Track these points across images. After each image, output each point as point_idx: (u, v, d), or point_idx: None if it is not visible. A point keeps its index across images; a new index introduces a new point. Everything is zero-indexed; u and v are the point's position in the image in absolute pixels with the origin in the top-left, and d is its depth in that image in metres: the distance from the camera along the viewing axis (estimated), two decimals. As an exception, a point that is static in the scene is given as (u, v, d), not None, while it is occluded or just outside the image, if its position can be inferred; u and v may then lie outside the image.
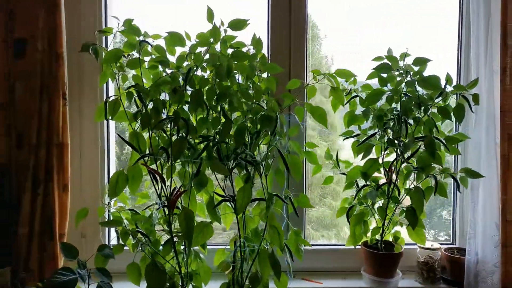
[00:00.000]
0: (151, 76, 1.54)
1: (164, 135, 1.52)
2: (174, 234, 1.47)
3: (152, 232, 1.48)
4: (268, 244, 1.52)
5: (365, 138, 1.60)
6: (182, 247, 1.53)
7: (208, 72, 1.53)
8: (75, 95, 1.74)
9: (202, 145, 1.53)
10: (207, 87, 1.47)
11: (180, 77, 1.47)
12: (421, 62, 1.47)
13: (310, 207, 1.55)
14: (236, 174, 1.54)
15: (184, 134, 1.44)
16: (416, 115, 1.56)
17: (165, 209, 1.49)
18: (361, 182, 1.72)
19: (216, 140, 1.47)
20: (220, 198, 1.51)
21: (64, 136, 1.58)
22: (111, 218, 1.67)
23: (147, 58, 1.51)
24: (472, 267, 1.65)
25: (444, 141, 1.58)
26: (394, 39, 1.98)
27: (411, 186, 1.64)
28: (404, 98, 1.51)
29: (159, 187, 1.48)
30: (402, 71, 1.48)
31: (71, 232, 1.64)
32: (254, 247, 1.52)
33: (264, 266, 1.47)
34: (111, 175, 1.81)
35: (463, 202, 1.89)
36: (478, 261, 1.65)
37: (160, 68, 1.53)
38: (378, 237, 1.73)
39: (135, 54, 1.52)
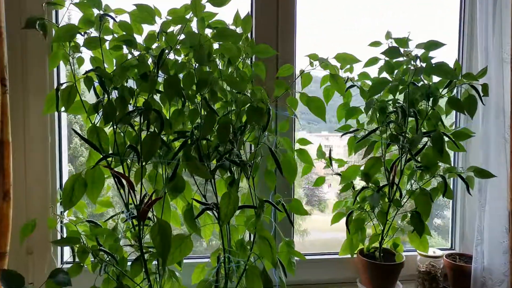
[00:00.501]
0: (114, 60, 1.29)
1: (131, 130, 1.28)
2: (145, 250, 1.23)
3: (118, 249, 1.23)
4: (255, 258, 1.32)
5: (367, 133, 1.42)
6: (154, 264, 1.29)
7: (182, 55, 1.30)
8: (18, 81, 1.45)
9: (177, 143, 1.30)
10: (182, 73, 1.24)
11: (149, 60, 1.23)
12: (433, 46, 1.30)
13: (305, 214, 1.35)
14: (217, 176, 1.32)
15: (156, 129, 1.20)
16: (421, 107, 1.40)
17: (134, 220, 1.25)
18: (358, 184, 1.55)
19: (195, 136, 1.24)
20: (200, 207, 1.29)
21: (5, 132, 1.29)
22: (65, 231, 1.40)
23: (108, 38, 1.26)
24: (479, 276, 1.52)
25: (451, 137, 1.43)
26: (390, 28, 1.82)
27: (413, 188, 1.48)
28: (410, 87, 1.35)
29: (126, 194, 1.24)
30: (410, 57, 1.31)
31: (14, 249, 1.36)
32: (241, 262, 1.31)
33: (253, 285, 1.26)
34: (64, 179, 1.55)
35: (464, 205, 1.77)
36: (484, 269, 1.52)
37: (125, 50, 1.28)
38: (375, 244, 1.56)
39: (94, 33, 1.26)
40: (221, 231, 1.29)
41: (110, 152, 1.23)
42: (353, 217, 1.49)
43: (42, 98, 1.46)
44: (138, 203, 1.21)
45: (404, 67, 1.37)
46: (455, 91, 1.45)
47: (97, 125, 1.24)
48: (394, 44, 1.33)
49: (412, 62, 1.33)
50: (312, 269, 1.65)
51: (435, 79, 1.43)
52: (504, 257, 1.49)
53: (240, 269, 1.31)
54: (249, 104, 1.25)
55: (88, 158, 1.33)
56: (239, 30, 1.32)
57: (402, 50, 1.33)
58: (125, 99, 1.18)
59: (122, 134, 1.27)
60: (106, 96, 1.17)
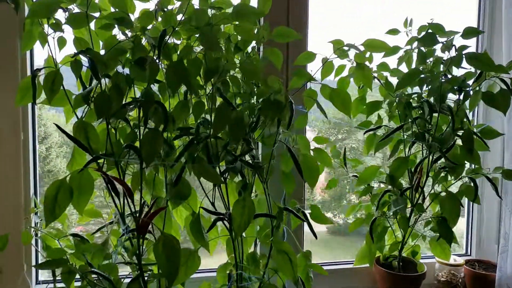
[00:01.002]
0: (100, 42, 1.09)
1: (125, 126, 1.09)
2: (144, 269, 1.05)
3: (112, 269, 1.04)
4: (270, 274, 1.17)
5: (391, 130, 1.28)
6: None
7: (181, 39, 1.12)
8: (-18, 66, 1.22)
9: (179, 142, 1.13)
10: (186, 60, 1.06)
11: (143, 41, 1.04)
12: (471, 33, 1.17)
13: (329, 223, 1.20)
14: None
15: (157, 125, 1.02)
16: (448, 102, 1.28)
17: (129, 233, 1.07)
18: (375, 186, 1.42)
19: (202, 134, 1.07)
20: (209, 216, 1.12)
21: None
22: (43, 247, 1.19)
23: (94, 15, 1.06)
24: (503, 285, 1.42)
25: (480, 135, 1.32)
26: (393, 15, 1.70)
27: (436, 191, 1.37)
28: (442, 79, 1.22)
29: (121, 203, 1.05)
30: (447, 44, 1.18)
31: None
32: (253, 279, 1.15)
33: (271, 306, 1.10)
34: (39, 184, 1.33)
35: (482, 208, 1.67)
36: (508, 277, 1.43)
37: (116, 31, 1.08)
38: (393, 252, 1.44)
39: (75, 9, 1.06)
40: (233, 244, 1.12)
41: (101, 152, 1.04)
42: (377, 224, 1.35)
43: (13, 87, 1.23)
44: (137, 214, 1.02)
45: (435, 57, 1.24)
46: (483, 84, 1.33)
47: (83, 119, 1.04)
48: (430, 31, 1.19)
49: (447, 51, 1.20)
50: (324, 279, 1.51)
51: (458, 71, 1.31)
52: (530, 264, 1.41)
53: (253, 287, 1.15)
54: (266, 96, 1.09)
55: (70, 160, 1.12)
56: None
57: (445, 34, 1.19)
58: (121, 89, 0.99)
59: (113, 130, 1.08)
60: (98, 84, 0.98)
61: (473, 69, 1.28)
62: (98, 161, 1.03)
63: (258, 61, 1.06)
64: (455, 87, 1.23)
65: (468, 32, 1.17)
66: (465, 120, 1.32)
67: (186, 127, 1.14)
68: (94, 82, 1.04)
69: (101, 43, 1.11)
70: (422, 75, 1.21)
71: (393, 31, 1.35)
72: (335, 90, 1.16)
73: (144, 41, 1.04)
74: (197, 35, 1.06)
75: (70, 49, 1.11)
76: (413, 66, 1.28)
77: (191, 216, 1.14)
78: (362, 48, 1.14)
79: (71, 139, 1.00)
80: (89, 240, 1.14)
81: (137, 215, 1.03)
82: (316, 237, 1.13)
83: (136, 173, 1.06)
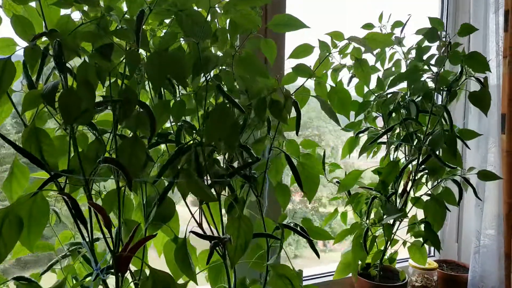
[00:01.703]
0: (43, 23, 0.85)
1: (85, 132, 0.86)
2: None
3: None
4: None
5: (382, 132, 1.21)
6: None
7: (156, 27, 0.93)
8: None
9: (160, 150, 0.93)
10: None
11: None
12: (467, 30, 1.14)
13: (329, 238, 1.09)
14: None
15: (134, 131, 0.82)
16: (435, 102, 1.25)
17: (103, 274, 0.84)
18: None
19: (190, 141, 0.88)
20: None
21: None
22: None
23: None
24: (476, 285, 1.44)
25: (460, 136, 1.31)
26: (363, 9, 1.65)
27: (417, 194, 1.33)
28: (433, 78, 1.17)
29: (89, 233, 0.82)
30: (443, 43, 1.13)
31: None
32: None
33: None
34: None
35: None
36: (480, 278, 1.45)
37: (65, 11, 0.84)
38: (368, 260, 1.38)
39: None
40: (227, 273, 0.95)
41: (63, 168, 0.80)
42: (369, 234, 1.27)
43: None
44: (114, 247, 0.81)
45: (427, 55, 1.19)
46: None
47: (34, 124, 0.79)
48: (430, 26, 1.13)
49: (446, 48, 1.15)
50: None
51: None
52: (499, 262, 1.44)
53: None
54: (262, 96, 0.93)
55: (8, 179, 0.86)
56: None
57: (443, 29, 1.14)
58: (91, 85, 0.76)
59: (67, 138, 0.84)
60: (63, 78, 0.74)
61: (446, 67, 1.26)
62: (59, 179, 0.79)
63: (251, 54, 0.90)
64: (444, 87, 1.20)
65: (464, 29, 1.14)
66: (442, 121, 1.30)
67: (164, 133, 0.94)
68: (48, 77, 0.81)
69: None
70: (421, 72, 1.15)
71: (368, 26, 1.27)
72: (334, 88, 1.05)
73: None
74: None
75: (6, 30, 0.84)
76: (403, 64, 1.22)
77: (172, 242, 0.95)
78: (364, 42, 1.03)
79: (20, 151, 0.75)
80: (37, 283, 0.89)
81: (114, 246, 0.81)
82: (318, 256, 1.01)
83: (110, 194, 0.84)
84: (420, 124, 1.22)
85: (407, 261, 1.50)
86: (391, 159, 1.30)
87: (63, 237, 0.97)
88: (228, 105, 0.86)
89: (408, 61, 1.28)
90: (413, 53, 1.26)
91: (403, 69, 1.25)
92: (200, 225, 0.95)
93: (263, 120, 0.99)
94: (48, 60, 0.79)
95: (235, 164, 0.98)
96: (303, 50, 1.04)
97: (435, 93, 1.24)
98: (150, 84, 0.86)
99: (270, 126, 1.01)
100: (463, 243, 1.66)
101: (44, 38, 0.77)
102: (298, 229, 1.02)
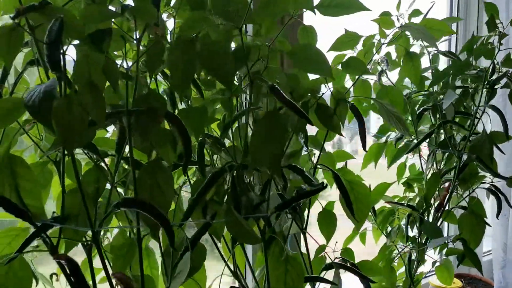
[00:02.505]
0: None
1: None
2: None
3: None
4: None
5: (423, 137, 1.05)
6: None
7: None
8: None
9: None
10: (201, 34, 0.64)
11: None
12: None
13: (382, 274, 0.90)
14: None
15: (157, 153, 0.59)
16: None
17: None
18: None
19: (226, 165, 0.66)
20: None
21: None
22: None
23: None
24: (501, 302, 1.34)
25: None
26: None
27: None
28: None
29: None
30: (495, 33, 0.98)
31: None
32: None
33: None
34: None
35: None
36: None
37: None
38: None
39: None
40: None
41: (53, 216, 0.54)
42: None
43: None
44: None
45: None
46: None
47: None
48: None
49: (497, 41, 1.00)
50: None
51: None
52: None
53: None
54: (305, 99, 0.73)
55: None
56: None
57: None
58: (98, 88, 0.51)
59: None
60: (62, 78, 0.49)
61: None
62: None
63: (309, 45, 0.69)
64: (486, 84, 1.06)
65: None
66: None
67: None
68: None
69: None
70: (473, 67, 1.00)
71: (386, 14, 1.11)
72: (385, 88, 0.87)
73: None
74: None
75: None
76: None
77: (197, 299, 0.71)
78: (424, 31, 0.85)
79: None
80: None
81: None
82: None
83: (122, 245, 0.59)
84: (463, 127, 1.07)
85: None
86: (424, 169, 1.14)
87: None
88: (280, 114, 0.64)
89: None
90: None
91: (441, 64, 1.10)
92: (235, 273, 0.73)
93: (302, 130, 0.78)
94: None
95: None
96: (349, 40, 0.84)
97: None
98: (170, 85, 0.62)
99: (307, 137, 0.81)
100: (487, 256, 1.55)
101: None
102: (348, 264, 0.83)
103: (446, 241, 1.20)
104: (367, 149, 0.88)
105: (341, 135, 0.75)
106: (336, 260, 0.84)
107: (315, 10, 0.73)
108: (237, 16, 0.61)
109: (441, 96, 1.11)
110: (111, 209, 0.51)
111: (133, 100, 0.56)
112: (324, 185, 0.66)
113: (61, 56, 0.46)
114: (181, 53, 0.58)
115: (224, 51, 0.56)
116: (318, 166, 0.80)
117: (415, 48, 1.17)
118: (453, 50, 1.62)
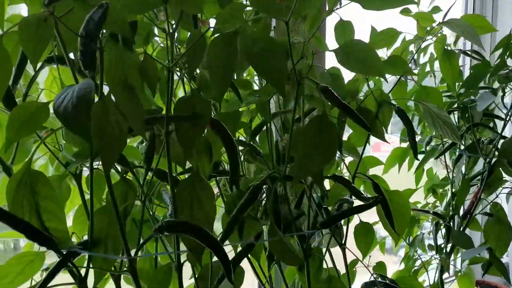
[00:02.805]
0: None
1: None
2: None
3: None
4: None
5: (451, 142, 0.99)
6: None
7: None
8: None
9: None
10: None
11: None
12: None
13: (421, 290, 0.84)
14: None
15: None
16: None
17: None
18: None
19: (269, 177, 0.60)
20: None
21: None
22: None
23: None
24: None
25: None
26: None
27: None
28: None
29: None
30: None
31: None
32: None
33: None
34: None
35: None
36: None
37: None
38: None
39: None
40: None
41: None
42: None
43: None
44: None
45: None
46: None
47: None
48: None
49: None
50: None
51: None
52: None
53: None
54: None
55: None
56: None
57: None
58: (135, 90, 0.44)
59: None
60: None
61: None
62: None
63: (361, 41, 0.62)
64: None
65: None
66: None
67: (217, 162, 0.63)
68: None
69: None
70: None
71: (406, 11, 1.05)
72: (426, 89, 0.81)
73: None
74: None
75: None
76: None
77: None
78: (469, 29, 0.79)
79: (6, 219, 0.41)
80: None
81: None
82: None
83: (158, 272, 0.52)
84: (493, 130, 1.03)
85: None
86: (451, 174, 1.09)
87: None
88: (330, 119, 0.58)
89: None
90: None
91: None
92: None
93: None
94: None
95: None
96: (387, 37, 0.78)
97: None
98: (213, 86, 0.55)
99: (342, 142, 0.75)
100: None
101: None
102: (388, 281, 0.77)
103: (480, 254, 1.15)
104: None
105: (385, 141, 0.69)
106: (373, 276, 0.78)
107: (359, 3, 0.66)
108: (283, 7, 0.55)
109: (470, 98, 1.06)
110: (151, 234, 0.44)
111: (167, 103, 0.49)
112: (379, 199, 0.59)
113: (100, 51, 0.38)
114: (221, 49, 0.51)
115: (277, 48, 0.49)
116: (355, 175, 0.73)
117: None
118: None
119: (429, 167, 1.23)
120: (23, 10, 0.64)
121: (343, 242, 0.72)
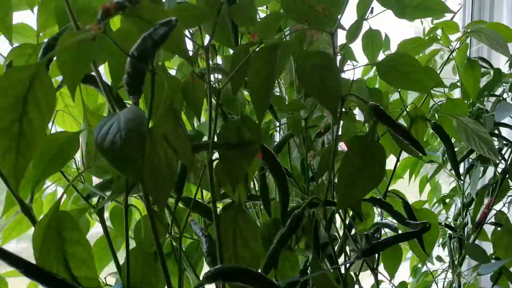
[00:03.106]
0: None
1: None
2: None
3: None
4: None
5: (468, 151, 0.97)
6: None
7: None
8: None
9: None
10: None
11: None
12: None
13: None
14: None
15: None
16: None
17: None
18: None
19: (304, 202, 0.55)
20: None
21: None
22: None
23: None
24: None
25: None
26: None
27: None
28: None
29: None
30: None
31: None
32: None
33: None
34: None
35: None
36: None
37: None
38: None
39: None
40: None
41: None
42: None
43: None
44: None
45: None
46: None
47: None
48: None
49: None
50: None
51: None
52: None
53: None
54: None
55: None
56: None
57: None
58: (179, 116, 0.38)
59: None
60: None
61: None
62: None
63: (407, 54, 0.58)
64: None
65: None
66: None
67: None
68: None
69: None
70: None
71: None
72: (452, 101, 0.77)
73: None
74: None
75: None
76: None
77: None
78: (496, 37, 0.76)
79: (33, 275, 0.35)
80: None
81: None
82: None
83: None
84: (505, 139, 1.01)
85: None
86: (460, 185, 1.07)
87: None
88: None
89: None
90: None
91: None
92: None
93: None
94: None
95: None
96: (414, 45, 0.74)
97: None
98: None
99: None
100: None
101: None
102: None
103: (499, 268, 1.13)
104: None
105: (420, 158, 0.65)
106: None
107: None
108: (327, 18, 0.50)
109: (478, 106, 1.05)
110: (202, 282, 0.38)
111: (209, 128, 0.43)
112: (428, 225, 0.55)
113: (152, 73, 0.33)
114: (262, 65, 0.45)
115: (333, 66, 0.44)
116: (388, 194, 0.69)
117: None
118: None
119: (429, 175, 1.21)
120: (24, 17, 0.57)
121: (374, 266, 0.68)
